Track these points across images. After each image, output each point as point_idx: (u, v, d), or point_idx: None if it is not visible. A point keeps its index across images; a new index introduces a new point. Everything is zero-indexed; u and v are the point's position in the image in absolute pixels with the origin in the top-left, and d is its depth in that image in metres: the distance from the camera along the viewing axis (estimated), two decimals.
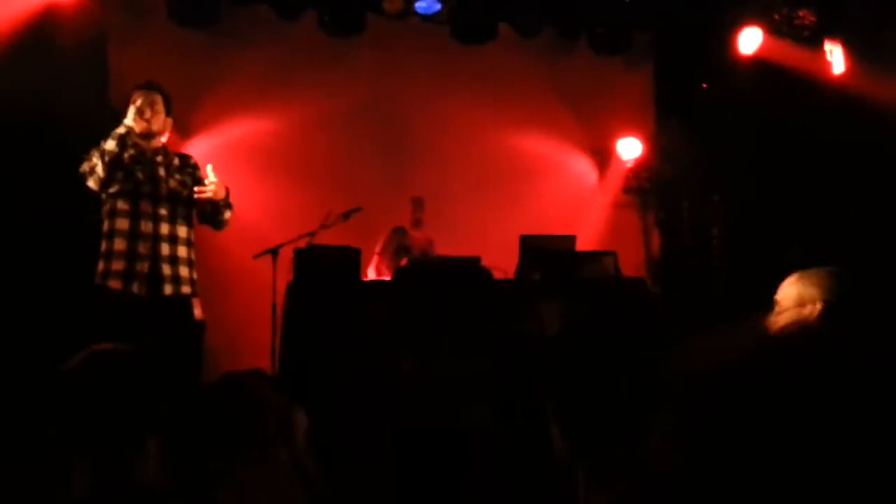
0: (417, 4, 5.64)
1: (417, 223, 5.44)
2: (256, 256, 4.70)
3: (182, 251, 3.64)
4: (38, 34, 4.73)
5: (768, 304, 2.28)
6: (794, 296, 1.95)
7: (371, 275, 5.15)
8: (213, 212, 3.66)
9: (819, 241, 5.17)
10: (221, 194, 3.61)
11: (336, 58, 5.91)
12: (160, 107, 3.63)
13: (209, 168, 3.61)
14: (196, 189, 3.57)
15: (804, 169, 5.72)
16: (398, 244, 5.34)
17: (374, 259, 5.27)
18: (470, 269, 4.70)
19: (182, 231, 3.65)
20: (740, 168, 6.02)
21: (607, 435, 1.34)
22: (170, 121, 3.71)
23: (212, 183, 3.54)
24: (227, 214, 3.73)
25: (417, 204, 5.45)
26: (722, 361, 0.80)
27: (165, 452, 1.64)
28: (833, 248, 4.71)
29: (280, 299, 4.50)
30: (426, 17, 5.72)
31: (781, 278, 2.08)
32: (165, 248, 3.57)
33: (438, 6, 5.68)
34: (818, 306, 1.90)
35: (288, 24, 5.59)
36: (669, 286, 6.11)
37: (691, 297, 5.93)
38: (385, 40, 5.94)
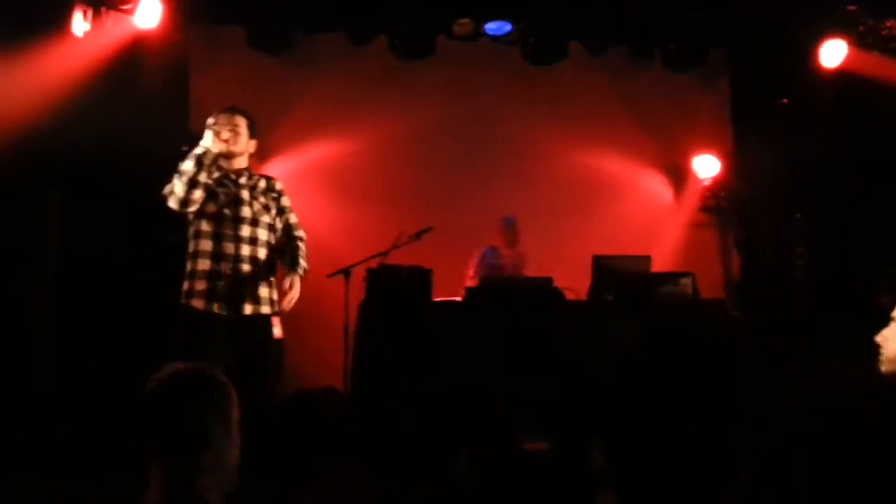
0: (487, 26, 5.66)
1: (510, 242, 5.46)
2: (330, 276, 4.76)
3: (263, 272, 3.70)
4: (125, 64, 4.97)
5: (856, 329, 2.15)
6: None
7: None
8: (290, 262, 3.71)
9: None
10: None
11: (407, 80, 5.99)
12: (242, 129, 3.71)
13: (291, 285, 3.64)
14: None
15: (894, 185, 5.44)
16: (489, 263, 5.35)
17: (467, 281, 5.29)
18: (541, 290, 4.65)
19: (262, 252, 3.71)
20: (825, 185, 5.77)
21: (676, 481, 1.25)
22: (253, 143, 3.78)
23: (293, 299, 3.61)
24: (301, 270, 3.76)
25: (508, 224, 5.45)
26: (834, 413, 0.74)
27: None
28: None
29: (352, 318, 4.54)
30: (496, 39, 5.73)
31: (871, 301, 1.97)
32: (246, 269, 3.64)
33: (509, 27, 5.69)
34: None
35: (360, 48, 5.69)
36: (750, 309, 5.88)
37: (773, 320, 5.68)
38: (456, 62, 5.99)
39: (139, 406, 1.73)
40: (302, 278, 3.73)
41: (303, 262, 3.75)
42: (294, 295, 3.61)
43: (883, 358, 1.93)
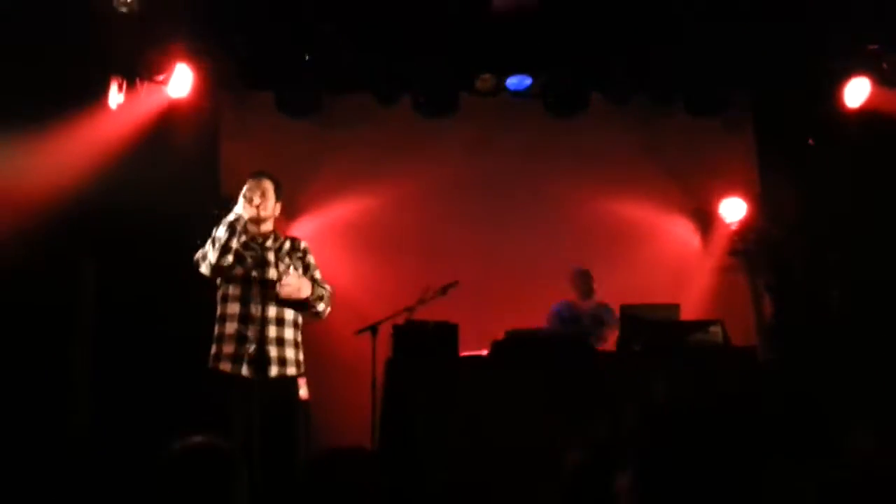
0: (508, 81, 5.76)
1: (585, 294, 5.45)
2: (358, 332, 4.80)
3: (288, 333, 3.75)
4: (158, 132, 5.16)
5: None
6: None
7: None
8: (300, 305, 3.75)
9: None
10: (301, 294, 3.68)
11: (432, 136, 6.11)
12: (270, 193, 3.82)
13: (291, 269, 3.70)
14: (280, 284, 3.68)
15: None
16: (565, 318, 5.32)
17: None
18: (571, 342, 4.64)
19: (289, 314, 3.77)
20: (856, 225, 5.69)
21: None
22: (279, 205, 3.89)
23: (286, 284, 3.64)
24: (321, 307, 3.79)
25: (579, 275, 5.47)
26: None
27: None
28: None
29: (380, 375, 4.57)
30: (517, 93, 5.82)
31: None
32: (272, 331, 3.70)
33: (529, 81, 5.78)
34: None
35: (386, 108, 5.83)
36: (785, 353, 5.76)
37: (811, 364, 5.55)
38: (479, 118, 6.09)
39: (158, 479, 1.76)
40: (317, 314, 3.78)
41: (323, 303, 3.79)
42: (293, 282, 3.64)
43: None
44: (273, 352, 3.67)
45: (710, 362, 4.36)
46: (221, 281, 3.77)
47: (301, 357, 3.82)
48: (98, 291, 4.96)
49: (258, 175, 3.87)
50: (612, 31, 5.43)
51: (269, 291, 3.71)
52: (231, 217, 3.68)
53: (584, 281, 5.48)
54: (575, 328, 5.24)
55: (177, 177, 5.09)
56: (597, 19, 5.32)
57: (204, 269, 3.73)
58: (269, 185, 3.83)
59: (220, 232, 3.64)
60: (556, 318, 5.39)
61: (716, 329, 4.62)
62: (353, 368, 5.10)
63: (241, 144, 5.69)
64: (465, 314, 5.25)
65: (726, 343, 4.62)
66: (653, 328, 4.62)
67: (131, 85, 5.10)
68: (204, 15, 4.97)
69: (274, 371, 3.67)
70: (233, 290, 3.73)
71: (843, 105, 5.67)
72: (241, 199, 3.72)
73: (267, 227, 3.86)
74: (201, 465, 1.74)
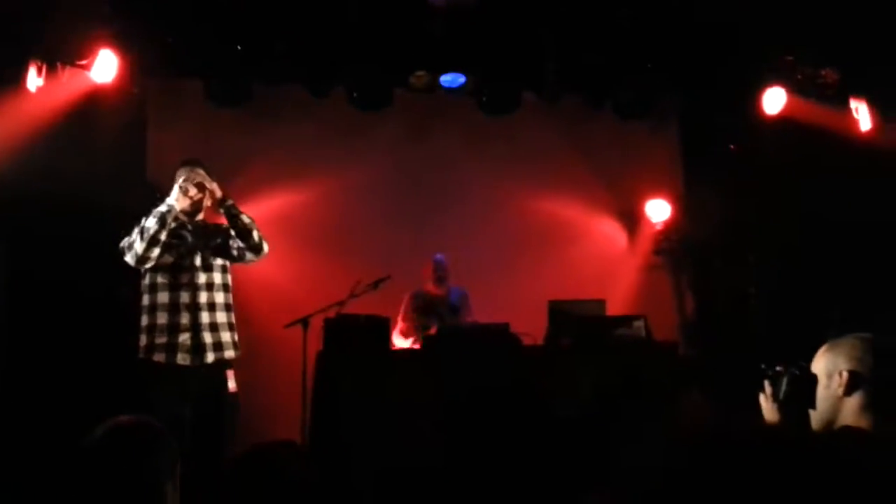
0: (442, 78, 5.79)
1: (439, 281, 5.34)
2: (287, 326, 4.75)
3: (221, 317, 3.71)
4: (80, 117, 4.97)
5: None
6: (822, 367, 1.92)
7: (397, 340, 5.13)
8: (242, 233, 3.71)
9: (858, 300, 5.05)
10: (219, 193, 3.75)
11: (364, 131, 6.08)
12: (208, 182, 3.76)
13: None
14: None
15: (838, 226, 5.63)
16: (421, 302, 5.31)
17: (399, 325, 5.25)
18: (499, 336, 4.70)
19: (220, 297, 3.74)
20: (773, 227, 5.96)
21: None
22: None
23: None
24: (256, 236, 3.76)
25: (437, 264, 5.38)
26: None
27: None
28: (873, 307, 4.60)
29: (311, 368, 4.53)
30: (452, 90, 5.86)
31: (822, 339, 2.04)
32: (205, 317, 3.66)
33: (463, 79, 5.82)
34: (844, 377, 1.85)
35: (319, 100, 5.78)
36: (704, 348, 5.99)
37: (729, 359, 5.79)
38: (412, 113, 6.11)
39: (82, 462, 1.70)
40: (228, 209, 3.77)
41: (255, 231, 3.77)
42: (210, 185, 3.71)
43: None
44: (208, 338, 3.64)
45: (634, 355, 4.49)
46: (147, 269, 3.69)
47: (237, 338, 3.79)
48: (10, 277, 4.75)
49: (192, 163, 3.80)
50: (545, 33, 5.54)
51: (197, 276, 3.66)
52: (163, 208, 3.61)
53: (436, 268, 5.35)
54: (433, 311, 5.20)
55: (100, 163, 4.92)
56: (531, 20, 5.41)
57: (129, 258, 3.64)
58: (202, 174, 3.77)
59: (150, 223, 3.57)
60: (412, 304, 5.29)
61: (639, 324, 4.77)
62: (283, 362, 5.05)
63: (170, 133, 5.55)
64: (397, 309, 5.28)
65: (649, 337, 4.78)
66: (580, 323, 4.73)
67: (52, 68, 4.90)
68: None
69: (210, 357, 3.64)
70: (161, 278, 3.66)
71: (762, 112, 5.94)
72: (175, 190, 3.65)
73: (199, 215, 3.81)
74: (130, 439, 1.70)
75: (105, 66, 4.91)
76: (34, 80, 4.70)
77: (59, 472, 1.79)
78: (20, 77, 4.65)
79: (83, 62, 4.91)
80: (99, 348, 4.60)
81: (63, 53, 4.90)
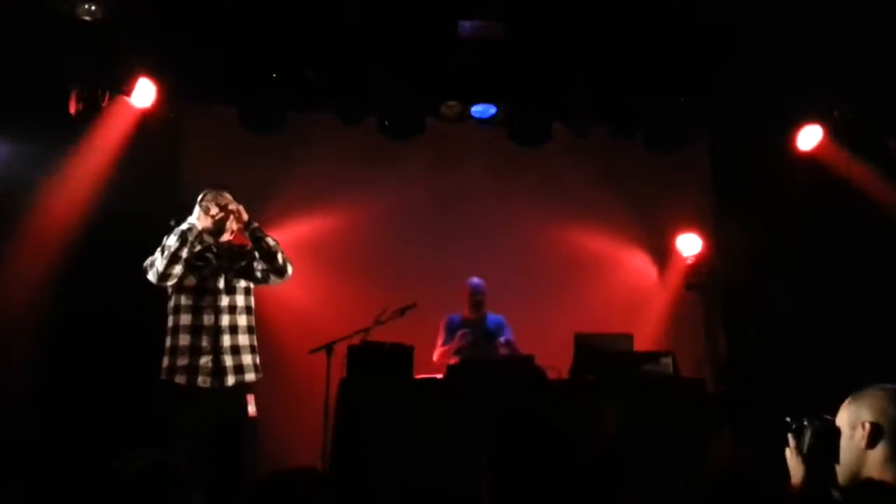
0: (473, 108, 5.82)
1: (475, 306, 5.38)
2: (312, 352, 4.76)
3: (243, 339, 3.73)
4: (120, 142, 5.11)
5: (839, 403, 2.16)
6: (845, 419, 1.88)
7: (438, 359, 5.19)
8: (267, 255, 3.72)
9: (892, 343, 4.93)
10: (245, 216, 3.76)
11: (395, 159, 6.13)
12: (233, 205, 3.81)
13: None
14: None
15: (875, 264, 5.52)
16: (458, 325, 5.31)
17: (438, 351, 5.28)
18: (523, 368, 4.66)
19: (243, 320, 3.77)
20: (806, 264, 5.85)
21: None
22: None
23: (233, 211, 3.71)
24: (281, 258, 3.77)
25: (473, 288, 5.41)
26: None
27: None
28: None
29: (333, 395, 4.53)
30: (482, 121, 5.89)
31: (854, 385, 1.99)
32: (227, 340, 3.68)
33: (494, 109, 5.85)
34: (867, 428, 1.81)
35: (350, 128, 5.84)
36: (735, 386, 5.87)
37: (760, 395, 5.66)
38: (443, 142, 6.13)
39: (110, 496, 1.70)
40: (253, 232, 3.76)
41: (280, 253, 3.76)
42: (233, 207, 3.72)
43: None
44: (229, 361, 3.66)
45: (660, 392, 4.42)
46: (172, 291, 3.74)
47: (258, 361, 3.81)
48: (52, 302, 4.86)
49: (217, 186, 3.86)
50: (574, 64, 5.55)
51: (220, 299, 3.69)
52: (184, 226, 3.67)
53: (473, 293, 5.37)
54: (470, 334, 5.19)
55: (135, 187, 5.03)
56: (561, 51, 5.43)
57: (151, 275, 3.70)
58: (228, 197, 3.82)
59: (171, 241, 3.63)
60: (447, 329, 5.32)
61: (666, 361, 4.70)
62: (306, 388, 5.06)
63: (204, 158, 5.65)
64: (423, 337, 5.26)
65: (676, 374, 4.70)
66: (606, 357, 4.68)
67: (93, 95, 5.06)
68: (170, 27, 4.95)
69: (231, 381, 3.66)
70: (185, 300, 3.71)
71: (795, 148, 5.87)
72: (196, 209, 3.71)
73: (225, 237, 3.86)
74: (156, 485, 1.70)
75: (144, 92, 5.05)
76: (75, 106, 4.86)
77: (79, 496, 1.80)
78: (65, 105, 4.83)
79: (123, 88, 5.06)
80: (128, 369, 4.65)
81: (104, 80, 5.06)
